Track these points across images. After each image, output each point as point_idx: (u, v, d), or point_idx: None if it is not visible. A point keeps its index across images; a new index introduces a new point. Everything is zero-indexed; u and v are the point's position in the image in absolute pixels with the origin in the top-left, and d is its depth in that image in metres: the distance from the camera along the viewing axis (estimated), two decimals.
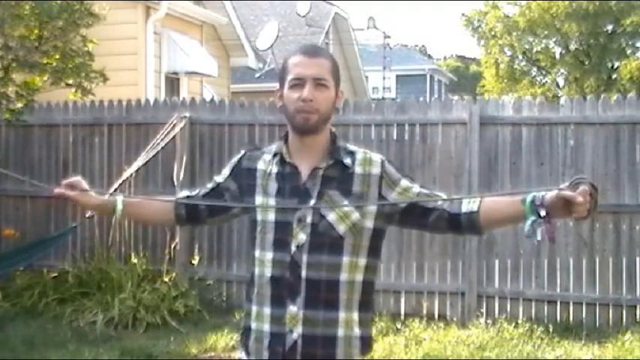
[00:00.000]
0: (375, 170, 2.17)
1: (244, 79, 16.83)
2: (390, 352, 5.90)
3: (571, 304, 6.65)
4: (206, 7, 12.83)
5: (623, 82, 24.90)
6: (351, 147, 2.23)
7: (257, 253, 2.19)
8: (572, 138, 6.76)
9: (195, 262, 7.25)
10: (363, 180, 2.15)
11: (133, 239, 7.35)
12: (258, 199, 2.20)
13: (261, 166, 2.23)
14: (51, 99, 7.76)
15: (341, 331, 2.13)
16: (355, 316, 2.15)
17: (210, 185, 2.36)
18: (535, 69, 27.94)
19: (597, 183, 6.78)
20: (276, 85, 2.23)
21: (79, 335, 6.20)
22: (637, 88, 23.02)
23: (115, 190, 6.81)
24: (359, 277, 2.16)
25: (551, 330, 6.31)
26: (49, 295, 6.93)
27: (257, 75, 17.17)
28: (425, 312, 6.83)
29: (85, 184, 2.35)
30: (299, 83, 2.12)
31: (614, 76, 25.63)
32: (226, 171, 2.32)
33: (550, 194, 1.93)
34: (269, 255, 2.15)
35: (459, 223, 2.12)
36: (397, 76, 37.30)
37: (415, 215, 2.16)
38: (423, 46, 68.85)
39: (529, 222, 1.95)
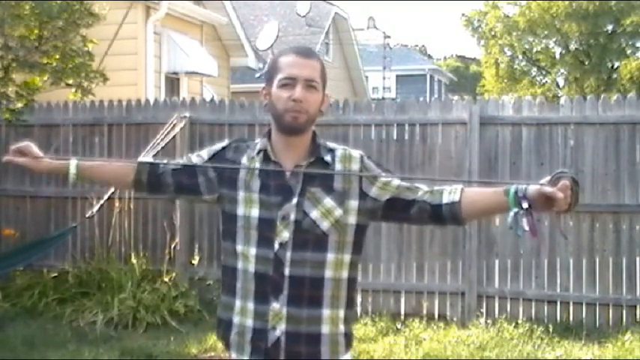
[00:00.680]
0: (355, 166, 2.20)
1: (244, 79, 16.83)
2: (390, 352, 5.90)
3: (571, 304, 6.65)
4: (206, 7, 12.83)
5: (623, 82, 24.91)
6: (331, 144, 2.25)
7: (239, 247, 2.18)
8: (572, 138, 6.76)
9: (195, 262, 7.25)
10: (344, 176, 2.18)
11: (133, 239, 7.35)
12: (241, 194, 2.19)
13: (245, 160, 2.24)
14: (51, 99, 7.76)
15: (326, 329, 2.14)
16: (341, 313, 2.17)
17: (182, 161, 2.33)
18: (535, 69, 27.95)
19: (597, 183, 6.77)
20: (267, 81, 2.24)
21: (79, 335, 6.20)
22: (637, 88, 23.03)
23: (115, 190, 6.83)
24: (344, 274, 2.17)
25: (551, 330, 6.31)
26: (49, 295, 6.93)
27: (257, 75, 17.15)
28: (425, 312, 6.83)
29: (36, 150, 2.31)
30: (290, 83, 2.13)
31: (614, 76, 25.64)
32: (205, 155, 2.29)
33: (532, 188, 1.96)
34: (252, 250, 2.15)
35: (440, 215, 2.13)
36: (397, 76, 37.29)
37: (397, 209, 2.18)
38: (423, 46, 68.89)
39: (512, 214, 1.97)
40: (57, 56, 6.99)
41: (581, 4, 24.22)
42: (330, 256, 2.14)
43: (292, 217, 2.13)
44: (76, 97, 7.41)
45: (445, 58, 59.22)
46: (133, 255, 7.10)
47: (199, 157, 2.31)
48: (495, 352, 5.87)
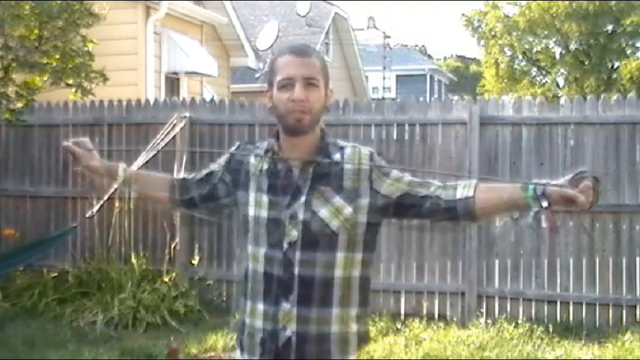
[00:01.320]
0: (365, 164, 2.16)
1: (244, 79, 16.83)
2: (390, 352, 5.90)
3: (571, 304, 6.65)
4: (206, 7, 12.83)
5: (623, 82, 24.91)
6: (341, 143, 2.22)
7: (250, 248, 2.19)
8: (572, 138, 6.76)
9: (195, 262, 7.25)
10: (354, 174, 2.14)
11: (133, 239, 7.35)
12: (252, 195, 2.19)
13: (253, 161, 2.23)
14: (51, 99, 7.76)
15: (335, 328, 2.11)
16: (352, 312, 2.14)
17: (205, 171, 2.38)
18: (535, 69, 27.95)
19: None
20: (268, 84, 2.23)
21: (79, 335, 6.20)
22: (637, 88, 23.03)
23: (115, 190, 6.82)
24: (355, 272, 2.14)
25: (551, 330, 6.31)
26: (49, 295, 6.93)
27: (257, 75, 17.17)
28: (425, 312, 6.83)
29: (90, 145, 2.40)
30: (289, 83, 2.10)
31: (614, 76, 25.63)
32: (222, 161, 2.34)
33: (553, 189, 1.91)
34: (262, 251, 2.15)
35: (454, 210, 2.07)
36: (397, 76, 37.30)
37: (409, 205, 2.13)
38: (423, 46, 68.89)
39: (532, 213, 1.93)
40: (57, 56, 6.99)
41: (581, 4, 24.22)
42: (340, 256, 2.11)
43: (301, 216, 2.11)
44: (76, 97, 7.41)
45: (445, 58, 59.24)
46: (133, 255, 7.10)
47: (218, 164, 2.35)
48: (495, 352, 5.86)
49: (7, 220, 7.82)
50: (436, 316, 6.84)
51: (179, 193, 2.41)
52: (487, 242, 6.78)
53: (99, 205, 6.70)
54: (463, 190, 2.07)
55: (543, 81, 27.70)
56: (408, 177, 2.16)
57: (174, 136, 7.18)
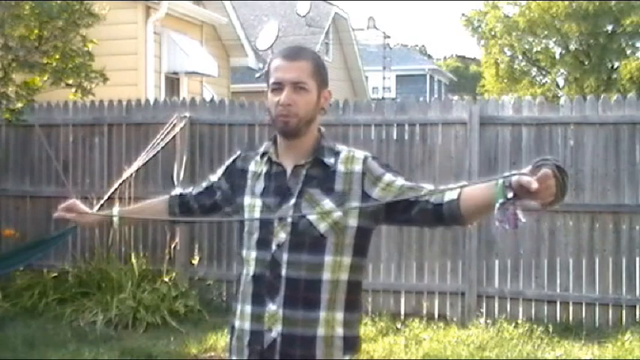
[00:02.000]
0: (357, 167, 2.14)
1: (244, 79, 16.83)
2: (390, 352, 5.90)
3: (571, 304, 6.66)
4: (206, 7, 12.83)
5: (623, 82, 24.91)
6: (339, 147, 2.22)
7: (244, 252, 2.21)
8: (572, 138, 6.76)
9: (195, 262, 7.25)
10: (345, 178, 2.13)
11: (133, 239, 7.35)
12: (247, 200, 2.22)
13: (252, 167, 2.25)
14: (51, 99, 7.76)
15: (321, 331, 2.10)
16: (339, 316, 2.12)
17: (204, 184, 2.42)
18: (535, 69, 27.95)
19: (597, 183, 6.70)
20: (266, 85, 2.24)
21: (79, 335, 6.20)
22: (637, 88, 23.02)
23: (115, 190, 6.83)
24: (343, 276, 2.13)
25: (551, 330, 6.31)
26: (49, 295, 6.93)
27: (257, 75, 17.14)
28: (425, 312, 6.83)
29: (81, 206, 2.50)
30: (278, 87, 2.13)
31: (614, 76, 25.64)
32: (220, 170, 2.37)
33: (515, 178, 1.81)
34: (253, 254, 2.16)
35: (441, 214, 2.04)
36: (397, 76, 37.30)
37: (399, 210, 2.10)
38: (423, 46, 68.93)
39: (497, 205, 1.82)
40: (57, 56, 6.98)
41: (581, 4, 24.22)
42: (328, 259, 2.11)
43: (289, 218, 2.12)
44: (76, 97, 7.41)
45: (445, 58, 59.28)
46: (132, 255, 7.09)
47: (216, 174, 2.38)
48: (495, 352, 5.86)
49: (7, 220, 7.82)
50: (436, 316, 6.84)
51: (178, 208, 2.46)
52: (487, 242, 6.78)
53: (99, 205, 6.70)
54: (450, 193, 2.04)
55: (543, 81, 27.70)
56: (400, 181, 2.13)
57: (174, 136, 7.18)
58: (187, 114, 7.34)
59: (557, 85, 27.21)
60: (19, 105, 7.05)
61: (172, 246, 7.20)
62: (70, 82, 7.11)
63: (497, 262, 6.82)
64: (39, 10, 6.76)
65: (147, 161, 7.10)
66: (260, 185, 2.20)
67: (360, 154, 2.18)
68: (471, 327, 6.48)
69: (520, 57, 27.58)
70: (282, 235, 2.12)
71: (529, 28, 25.70)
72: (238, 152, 2.37)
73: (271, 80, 2.15)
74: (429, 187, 2.12)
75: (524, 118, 6.81)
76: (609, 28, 25.42)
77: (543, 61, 26.98)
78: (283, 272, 2.11)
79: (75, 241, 7.50)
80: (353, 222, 2.13)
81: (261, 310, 2.13)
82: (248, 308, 2.16)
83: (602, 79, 25.12)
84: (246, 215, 2.20)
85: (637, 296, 6.53)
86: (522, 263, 6.75)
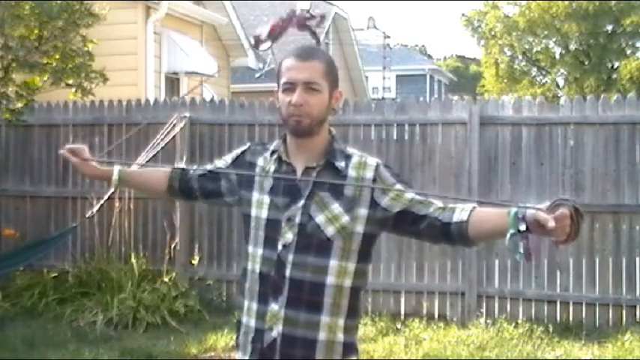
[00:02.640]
0: (369, 174, 2.14)
1: (244, 79, 16.83)
2: (390, 352, 5.90)
3: (571, 304, 6.66)
4: (206, 7, 12.83)
5: (623, 82, 24.91)
6: (350, 150, 2.20)
7: (250, 248, 2.20)
8: (572, 138, 6.76)
9: (195, 262, 7.25)
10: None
11: (133, 239, 7.35)
12: (255, 195, 2.21)
13: (261, 162, 2.24)
14: (51, 99, 7.76)
15: (322, 335, 2.10)
16: (341, 321, 2.12)
17: (209, 167, 2.39)
18: (535, 69, 27.94)
19: (597, 183, 6.70)
20: (276, 85, 2.24)
21: (79, 335, 6.20)
22: (637, 88, 23.02)
23: (115, 190, 6.83)
24: (348, 282, 2.12)
25: (551, 330, 6.31)
26: (49, 295, 6.93)
27: (257, 75, 17.16)
28: (425, 312, 6.83)
29: (87, 153, 2.43)
30: (290, 87, 2.12)
31: (614, 76, 25.63)
32: (228, 159, 2.34)
33: (531, 211, 1.84)
34: (259, 251, 2.16)
35: (449, 233, 2.04)
36: (397, 76, 37.31)
37: (407, 222, 2.11)
38: (423, 46, 68.95)
39: (508, 235, 1.85)
40: (57, 56, 6.99)
41: (581, 4, 24.22)
42: (333, 263, 2.10)
43: (297, 219, 2.11)
44: (76, 97, 7.41)
45: (445, 58, 59.26)
46: (132, 255, 7.09)
47: (224, 161, 2.36)
48: (495, 352, 5.87)
49: (7, 220, 7.82)
50: (436, 316, 6.84)
51: (178, 183, 2.42)
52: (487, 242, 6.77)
53: (99, 205, 6.72)
54: (460, 213, 2.04)
55: (543, 81, 27.70)
56: (410, 194, 2.12)
57: (174, 136, 7.18)
58: (187, 114, 7.34)
59: (557, 85, 27.20)
60: (19, 105, 7.05)
61: (172, 246, 7.20)
62: (70, 82, 7.11)
63: (497, 262, 6.82)
64: (39, 10, 6.77)
65: (147, 161, 7.10)
66: (269, 182, 2.19)
67: (372, 160, 2.18)
68: (471, 327, 6.48)
69: (520, 57, 27.58)
70: (288, 236, 2.12)
71: (529, 28, 25.70)
72: (248, 144, 2.35)
73: (283, 80, 2.14)
74: (438, 203, 2.11)
75: (524, 118, 6.81)
76: (609, 28, 25.42)
77: (543, 61, 26.98)
78: (288, 273, 2.11)
79: (75, 241, 7.50)
80: (360, 228, 2.12)
81: (265, 309, 2.13)
82: (254, 305, 2.17)
83: (602, 79, 25.12)
84: (254, 211, 2.19)
85: (637, 296, 6.53)
86: (522, 263, 6.74)
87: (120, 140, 7.26)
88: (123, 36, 10.10)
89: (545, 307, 6.67)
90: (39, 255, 6.60)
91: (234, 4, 13.95)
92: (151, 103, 7.85)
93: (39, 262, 6.93)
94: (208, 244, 7.39)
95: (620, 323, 6.45)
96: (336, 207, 2.11)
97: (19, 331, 6.25)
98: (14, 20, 6.68)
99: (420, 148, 7.02)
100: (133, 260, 7.01)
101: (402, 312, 6.90)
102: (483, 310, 6.71)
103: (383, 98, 28.37)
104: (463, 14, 28.68)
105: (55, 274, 7.19)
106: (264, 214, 2.17)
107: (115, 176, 2.43)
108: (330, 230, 2.10)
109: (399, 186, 2.14)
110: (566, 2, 24.32)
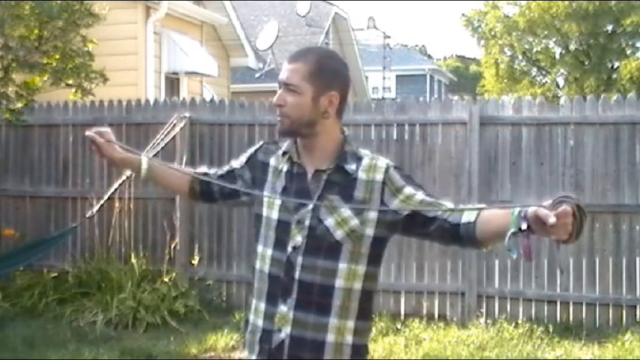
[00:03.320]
0: (379, 177, 2.13)
1: (244, 79, 16.83)
2: (390, 352, 5.90)
3: (571, 304, 6.65)
4: (206, 7, 12.83)
5: (623, 82, 24.90)
6: (362, 152, 2.20)
7: (260, 248, 2.21)
8: (572, 138, 6.76)
9: (195, 262, 7.25)
10: (366, 186, 2.12)
11: (133, 239, 7.35)
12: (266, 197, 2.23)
13: (273, 162, 2.25)
14: (51, 99, 7.76)
15: (331, 337, 2.10)
16: (350, 324, 2.12)
17: (226, 168, 2.40)
18: (535, 69, 27.94)
19: (597, 183, 6.70)
20: (276, 84, 2.25)
21: (79, 335, 6.20)
22: (637, 88, 23.01)
23: (115, 190, 6.83)
24: (357, 285, 2.12)
25: (551, 330, 6.31)
26: (49, 295, 6.93)
27: (257, 75, 17.17)
28: (425, 312, 6.83)
29: (112, 136, 2.37)
30: (278, 88, 2.18)
31: (614, 76, 25.63)
32: (243, 158, 2.35)
33: (532, 208, 1.79)
34: (269, 252, 2.17)
35: (458, 234, 2.03)
36: (397, 76, 37.32)
37: (417, 224, 2.10)
38: (423, 46, 68.95)
39: (509, 234, 1.82)
40: (57, 56, 6.99)
41: (581, 4, 24.21)
42: (343, 266, 2.10)
43: (307, 222, 2.12)
44: (76, 97, 7.41)
45: (445, 58, 59.27)
46: (132, 255, 7.09)
47: (239, 161, 2.37)
48: (495, 352, 5.87)
49: (7, 220, 7.82)
50: (436, 316, 6.84)
51: (199, 186, 2.42)
52: None
53: (99, 205, 6.72)
54: (468, 215, 2.03)
55: (543, 81, 27.69)
56: (420, 195, 2.11)
57: (174, 136, 7.18)
58: (187, 114, 7.34)
59: (557, 85, 27.20)
60: (19, 105, 7.05)
61: (172, 246, 7.20)
62: (70, 82, 7.12)
63: (497, 262, 6.82)
64: (39, 10, 6.77)
65: None
66: (281, 183, 2.20)
67: (382, 162, 2.17)
68: (471, 327, 6.48)
69: (520, 57, 27.57)
70: (298, 238, 2.12)
71: (529, 28, 25.69)
72: (261, 143, 2.36)
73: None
74: (448, 204, 2.10)
75: (524, 118, 6.81)
76: (609, 28, 25.41)
77: (543, 61, 26.97)
78: (297, 275, 2.11)
79: (75, 241, 7.50)
80: (370, 231, 2.11)
81: (273, 310, 2.13)
82: (262, 306, 2.17)
83: (602, 79, 25.11)
84: (265, 212, 2.20)
85: (637, 296, 6.53)
86: (522, 263, 6.74)
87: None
88: (123, 36, 10.10)
89: (546, 307, 6.67)
90: (39, 255, 6.60)
91: (234, 4, 13.95)
92: (151, 103, 7.85)
93: (39, 262, 6.93)
94: (208, 244, 7.39)
95: (620, 323, 6.45)
96: (346, 210, 2.11)
97: (19, 331, 6.25)
98: (14, 20, 6.68)
99: (420, 148, 7.02)
100: (133, 260, 7.01)
101: (402, 312, 6.90)
102: (483, 310, 6.70)
103: (383, 98, 28.37)
104: (463, 14, 28.68)
105: (55, 274, 7.19)
106: (275, 215, 2.17)
107: (144, 165, 2.40)
108: (339, 233, 2.10)
109: (409, 188, 2.12)
110: (566, 2, 24.31)
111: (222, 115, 7.48)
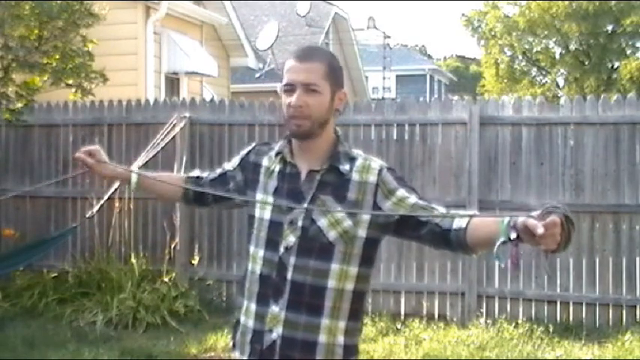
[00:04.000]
0: (372, 178, 2.13)
1: (244, 79, 16.83)
2: (390, 352, 5.90)
3: (571, 304, 6.66)
4: (206, 7, 12.83)
5: (623, 82, 24.89)
6: (354, 152, 2.19)
7: (251, 248, 2.21)
8: (572, 138, 6.76)
9: (195, 262, 7.25)
10: (359, 187, 2.12)
11: (133, 239, 7.35)
12: (259, 196, 2.21)
13: (265, 162, 2.24)
14: (51, 99, 7.76)
15: (322, 338, 2.10)
16: (341, 324, 2.12)
17: (219, 171, 2.39)
18: (535, 69, 27.92)
19: (597, 183, 6.71)
20: (276, 85, 2.25)
21: (79, 335, 6.20)
22: (637, 88, 23.00)
23: (115, 190, 6.83)
24: (349, 286, 2.12)
25: (551, 330, 6.31)
26: (49, 295, 6.93)
27: (257, 75, 17.16)
28: (425, 312, 6.83)
29: (103, 155, 2.41)
30: (290, 89, 2.12)
31: (614, 76, 25.61)
32: (236, 160, 2.35)
33: (521, 218, 1.81)
34: (261, 252, 2.16)
35: (448, 239, 2.05)
36: (397, 76, 37.31)
37: (409, 227, 2.10)
38: (423, 46, 68.94)
39: (498, 243, 1.85)
40: (57, 56, 6.99)
41: (581, 4, 24.20)
42: (335, 267, 2.10)
43: (300, 222, 2.11)
44: (76, 97, 7.42)
45: (445, 58, 59.24)
46: (132, 255, 7.09)
47: (232, 163, 2.36)
48: (495, 352, 5.87)
49: (7, 220, 7.82)
50: (436, 316, 6.84)
51: (192, 193, 2.41)
52: None
53: (99, 205, 6.71)
54: (459, 221, 2.04)
55: (543, 81, 27.67)
56: (413, 199, 2.11)
57: (174, 136, 7.18)
58: (187, 114, 7.34)
59: (557, 85, 27.19)
60: (19, 105, 7.06)
61: (172, 246, 7.20)
62: (70, 82, 7.12)
63: (497, 262, 6.80)
64: (39, 10, 6.77)
65: (147, 161, 7.10)
66: (273, 183, 2.19)
67: (375, 164, 2.17)
68: (471, 327, 6.48)
69: (520, 57, 27.55)
70: (291, 239, 2.12)
71: (529, 28, 25.67)
72: (253, 144, 2.35)
73: (284, 81, 2.15)
74: (440, 209, 2.11)
75: (524, 118, 6.81)
76: (609, 28, 25.39)
77: (543, 61, 26.95)
78: (289, 275, 2.10)
79: (75, 241, 7.50)
80: (362, 232, 2.12)
81: (265, 311, 2.13)
82: (253, 306, 2.16)
83: (602, 79, 25.11)
84: (257, 212, 2.19)
85: (637, 296, 6.53)
86: (522, 263, 6.71)
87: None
88: (123, 36, 10.10)
89: (545, 307, 6.67)
90: (39, 255, 6.59)
91: (234, 4, 13.95)
92: (151, 103, 7.85)
93: (39, 262, 6.92)
94: (208, 244, 7.39)
95: (620, 323, 6.45)
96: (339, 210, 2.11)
97: (19, 331, 6.25)
98: (14, 20, 6.68)
99: (420, 148, 7.02)
100: (133, 260, 7.01)
101: (402, 312, 6.90)
102: (483, 310, 6.71)
103: (383, 98, 28.36)
104: (463, 14, 28.66)
105: (55, 274, 7.19)
106: (267, 215, 2.16)
107: (133, 179, 2.42)
108: (332, 234, 2.10)
109: (402, 191, 2.12)
110: (566, 2, 24.30)
111: (222, 115, 7.49)
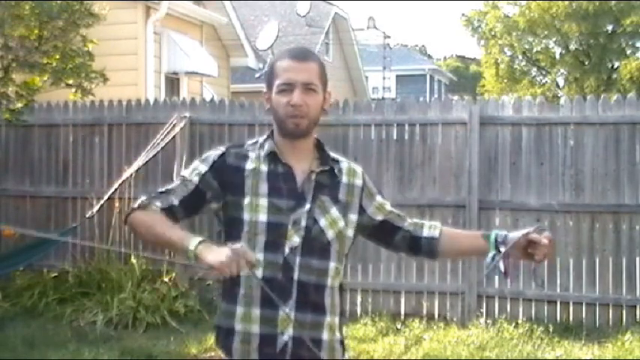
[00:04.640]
0: (358, 181, 2.25)
1: (244, 79, 16.83)
2: (390, 352, 5.90)
3: (571, 304, 6.66)
4: (206, 7, 12.83)
5: (623, 82, 24.88)
6: (334, 155, 2.26)
7: None
8: (572, 138, 6.76)
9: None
10: (348, 190, 2.22)
11: (133, 239, 7.34)
12: (247, 199, 2.13)
13: (249, 165, 2.18)
14: (51, 99, 7.76)
15: (326, 335, 2.16)
16: (337, 320, 2.21)
17: (190, 188, 2.17)
18: (535, 69, 27.90)
19: (597, 183, 6.74)
20: (266, 87, 2.24)
21: (79, 335, 6.20)
22: (637, 88, 22.99)
23: (115, 190, 6.83)
24: (337, 282, 2.21)
25: (551, 330, 6.31)
26: (49, 295, 6.93)
27: (257, 75, 17.15)
28: (425, 312, 6.83)
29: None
30: (287, 88, 2.12)
31: (614, 76, 25.60)
32: (204, 167, 2.18)
33: (514, 234, 2.13)
34: (259, 256, 2.09)
35: (418, 246, 2.27)
36: (397, 76, 37.28)
37: (384, 232, 2.28)
38: (423, 46, 68.92)
39: (490, 256, 2.14)
40: (57, 56, 6.99)
41: (581, 4, 24.19)
42: (332, 265, 2.17)
43: (303, 222, 2.13)
44: (76, 97, 7.41)
45: (445, 58, 59.21)
46: (132, 255, 7.09)
47: (197, 171, 2.19)
48: (495, 352, 5.86)
49: (7, 220, 7.81)
50: (436, 316, 6.84)
51: (165, 215, 2.16)
52: None
53: (99, 205, 6.72)
54: (429, 229, 2.27)
55: (543, 81, 27.66)
56: (389, 205, 2.31)
57: (174, 136, 7.18)
58: (187, 114, 7.34)
59: (557, 85, 27.18)
60: (19, 105, 7.05)
61: None
62: (70, 82, 7.12)
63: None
64: (39, 10, 6.77)
65: (147, 161, 7.11)
66: (264, 185, 2.14)
67: (358, 168, 2.30)
68: (471, 327, 6.48)
69: (520, 57, 27.53)
70: (295, 239, 2.12)
71: (529, 28, 25.66)
72: (222, 149, 2.24)
73: (279, 81, 2.13)
74: (409, 219, 2.32)
75: (524, 118, 6.81)
76: (609, 28, 25.38)
77: (543, 61, 26.94)
78: (296, 276, 2.11)
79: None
80: (351, 232, 2.22)
81: (274, 314, 2.09)
82: (257, 311, 2.11)
83: (602, 79, 25.10)
84: (248, 216, 2.11)
85: (637, 296, 6.53)
86: (522, 263, 6.69)
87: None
88: (123, 36, 10.11)
89: (545, 307, 6.67)
90: (39, 255, 6.60)
91: (234, 4, 13.95)
92: (151, 103, 7.85)
93: (39, 262, 6.93)
94: None
95: (620, 323, 6.45)
96: (335, 211, 2.18)
97: (19, 331, 6.25)
98: (14, 20, 6.68)
99: (420, 148, 7.02)
100: (133, 260, 7.01)
101: (402, 312, 6.90)
102: (483, 310, 6.70)
103: (383, 98, 28.35)
104: (463, 14, 28.63)
105: (55, 274, 7.19)
106: (263, 217, 2.12)
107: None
108: (330, 234, 2.16)
109: (380, 197, 2.33)
110: (566, 2, 24.29)
111: (222, 115, 7.49)
